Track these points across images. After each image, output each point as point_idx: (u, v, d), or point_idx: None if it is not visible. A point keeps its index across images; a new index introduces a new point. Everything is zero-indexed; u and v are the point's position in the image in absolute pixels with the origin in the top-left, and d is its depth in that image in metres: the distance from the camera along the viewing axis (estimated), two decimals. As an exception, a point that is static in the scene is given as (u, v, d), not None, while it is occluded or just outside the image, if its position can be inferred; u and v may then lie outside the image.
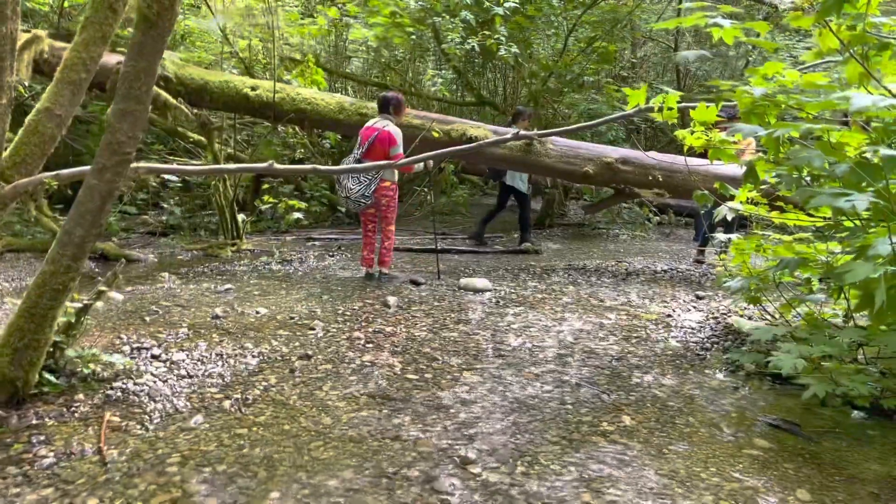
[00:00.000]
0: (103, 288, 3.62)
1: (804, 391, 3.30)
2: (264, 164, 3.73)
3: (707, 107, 4.20)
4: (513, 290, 5.63)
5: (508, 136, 4.35)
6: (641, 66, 14.48)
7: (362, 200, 5.57)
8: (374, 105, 6.65)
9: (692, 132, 4.39)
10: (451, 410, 3.22)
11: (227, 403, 3.23)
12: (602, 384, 3.61)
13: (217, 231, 7.22)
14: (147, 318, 4.51)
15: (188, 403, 3.23)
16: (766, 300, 4.41)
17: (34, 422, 2.95)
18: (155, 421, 3.04)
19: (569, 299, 5.39)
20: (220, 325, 4.43)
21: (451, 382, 3.58)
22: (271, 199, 6.78)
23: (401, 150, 5.58)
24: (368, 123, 5.72)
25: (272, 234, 8.03)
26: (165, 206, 8.04)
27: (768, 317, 4.62)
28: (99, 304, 4.79)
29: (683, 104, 4.63)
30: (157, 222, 7.94)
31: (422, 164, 5.79)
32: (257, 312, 4.72)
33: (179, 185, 7.95)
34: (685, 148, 4.56)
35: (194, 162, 7.37)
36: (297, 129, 7.90)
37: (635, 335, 4.50)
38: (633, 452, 2.83)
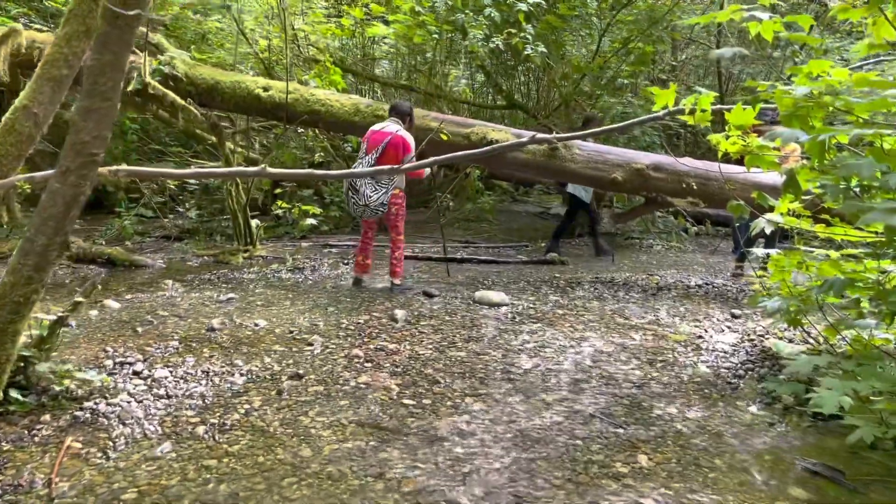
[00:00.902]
0: (79, 299, 3.39)
1: (850, 432, 2.88)
2: (255, 169, 3.46)
3: (744, 109, 3.79)
4: (531, 305, 5.27)
5: (525, 139, 4.01)
6: (682, 69, 13.95)
7: (380, 209, 5.28)
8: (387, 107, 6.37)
9: (727, 136, 4.00)
10: (447, 444, 2.89)
11: (201, 429, 2.95)
12: (618, 416, 3.24)
13: (234, 236, 7.02)
14: (139, 329, 4.28)
15: (159, 428, 2.96)
16: (807, 322, 3.98)
17: (-13, 447, 2.72)
18: (119, 448, 2.78)
19: (592, 316, 5.01)
20: (214, 338, 4.18)
21: (451, 410, 3.25)
22: (284, 205, 6.53)
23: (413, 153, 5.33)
24: (375, 127, 5.43)
25: (289, 240, 7.80)
26: (180, 209, 7.87)
27: (811, 340, 4.18)
28: (93, 312, 4.61)
29: (718, 106, 4.24)
30: (173, 226, 7.78)
31: (428, 171, 5.49)
32: (256, 325, 4.46)
33: (196, 188, 7.78)
34: (719, 153, 4.16)
35: (210, 164, 7.19)
36: (316, 131, 7.66)
37: (661, 358, 4.11)
38: (647, 502, 2.46)
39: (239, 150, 7.09)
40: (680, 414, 3.30)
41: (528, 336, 4.44)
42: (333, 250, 7.42)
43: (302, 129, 7.31)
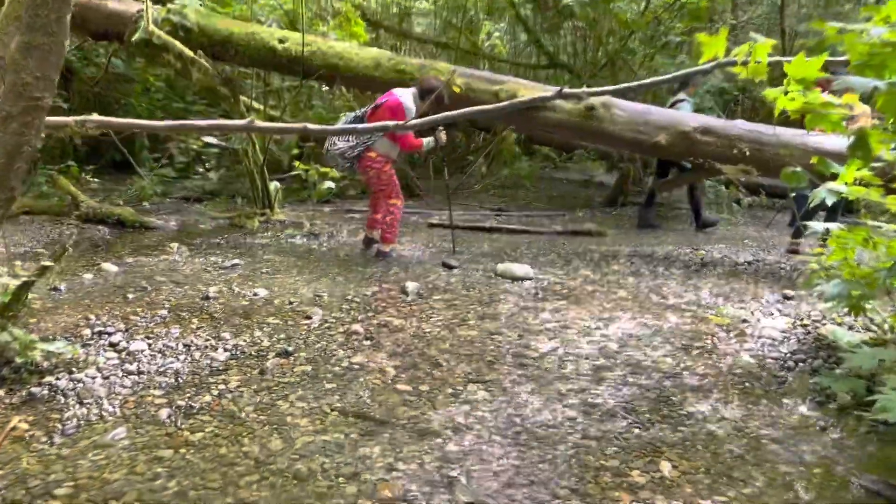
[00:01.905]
0: (48, 263, 3.09)
1: (921, 445, 2.40)
2: (242, 122, 3.10)
3: (807, 59, 3.24)
4: (559, 280, 4.81)
5: (550, 94, 3.54)
6: (742, 27, 13.01)
7: (339, 160, 5.05)
8: (414, 62, 5.92)
9: (786, 92, 3.45)
10: (438, 439, 2.52)
11: (164, 413, 2.64)
12: (642, 412, 2.80)
13: (251, 199, 6.72)
14: (130, 296, 4.00)
15: (119, 410, 2.66)
16: (872, 309, 3.45)
17: (-75, 426, 2.45)
18: (68, 432, 2.48)
19: (624, 294, 4.54)
20: (207, 307, 3.87)
21: (450, 399, 2.86)
22: (303, 166, 6.18)
23: (410, 131, 4.90)
24: (394, 89, 5.07)
25: (312, 205, 7.47)
26: (201, 170, 7.60)
27: (875, 329, 3.65)
28: (87, 276, 4.35)
29: (776, 58, 3.68)
30: (195, 188, 7.53)
31: (432, 142, 5.11)
32: (255, 294, 4.13)
33: (217, 150, 7.49)
34: (776, 112, 3.61)
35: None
36: (343, 90, 7.27)
37: (698, 345, 3.63)
38: (666, 524, 2.05)
39: (261, 108, 6.74)
40: (714, 412, 2.84)
41: (550, 315, 4.01)
42: (356, 216, 7.06)
43: (326, 88, 6.91)
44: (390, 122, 3.41)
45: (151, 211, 6.68)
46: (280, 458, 2.35)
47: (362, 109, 5.06)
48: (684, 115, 5.85)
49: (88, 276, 4.39)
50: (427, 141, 5.00)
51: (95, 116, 2.94)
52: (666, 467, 2.38)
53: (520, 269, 4.85)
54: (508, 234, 6.69)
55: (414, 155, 8.28)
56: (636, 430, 2.65)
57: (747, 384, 3.15)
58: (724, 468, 2.40)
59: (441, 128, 5.06)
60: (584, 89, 3.46)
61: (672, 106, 6.96)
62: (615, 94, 5.26)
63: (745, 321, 4.05)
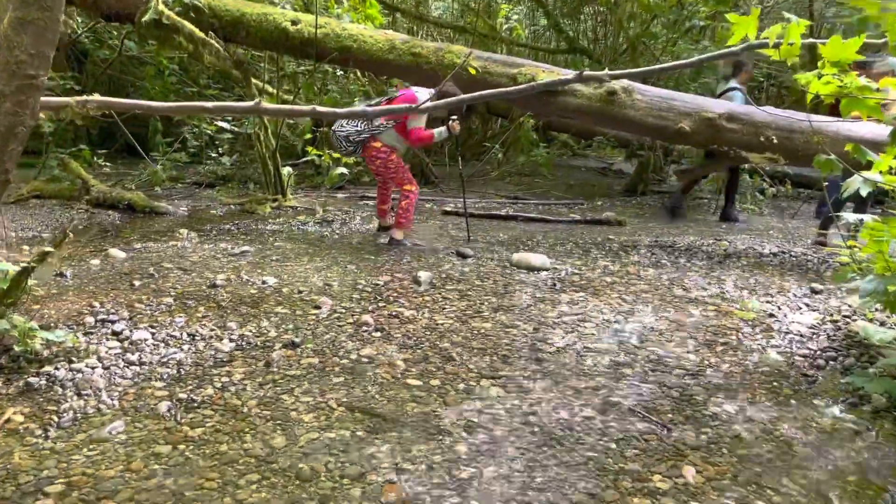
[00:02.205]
0: (48, 249, 2.99)
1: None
2: (249, 104, 2.97)
3: (843, 41, 3.05)
4: (576, 271, 4.66)
5: (570, 76, 3.38)
6: (768, 13, 12.68)
7: (343, 143, 5.00)
8: (429, 45, 5.75)
9: (820, 76, 3.27)
10: (449, 439, 2.39)
11: (163, 406, 2.53)
12: (664, 412, 2.66)
13: (263, 185, 6.61)
14: (136, 283, 3.91)
15: (117, 402, 2.56)
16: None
17: (-85, 417, 2.36)
18: (63, 425, 2.38)
19: (645, 286, 4.38)
20: (214, 296, 3.76)
21: (462, 395, 2.73)
22: (315, 151, 6.05)
23: (421, 125, 4.89)
24: (412, 87, 5.09)
25: (326, 191, 7.35)
26: (213, 154, 7.50)
27: (909, 325, 3.48)
28: (94, 262, 4.26)
29: (811, 40, 3.50)
30: (207, 173, 7.43)
31: (444, 132, 4.99)
32: (263, 282, 4.02)
33: (230, 135, 7.38)
34: (808, 97, 3.43)
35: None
36: (358, 74, 7.11)
37: (722, 340, 3.47)
38: (690, 536, 1.91)
39: (274, 92, 6.61)
40: (741, 413, 2.69)
41: (568, 307, 3.87)
42: (369, 203, 6.93)
43: (341, 72, 6.77)
44: (402, 106, 3.27)
45: (163, 196, 6.60)
46: (282, 456, 2.24)
47: (377, 99, 5.01)
48: (708, 101, 5.65)
49: (95, 261, 4.31)
50: (439, 131, 4.90)
51: (97, 96, 2.82)
52: (690, 472, 2.24)
53: (536, 258, 4.70)
54: (525, 223, 6.54)
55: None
56: (658, 431, 2.51)
57: (775, 383, 3.00)
58: (753, 475, 2.26)
59: (454, 117, 4.98)
60: (606, 71, 3.29)
61: (722, 94, 6.69)
62: (637, 77, 5.07)
63: (771, 316, 3.89)
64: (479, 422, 2.52)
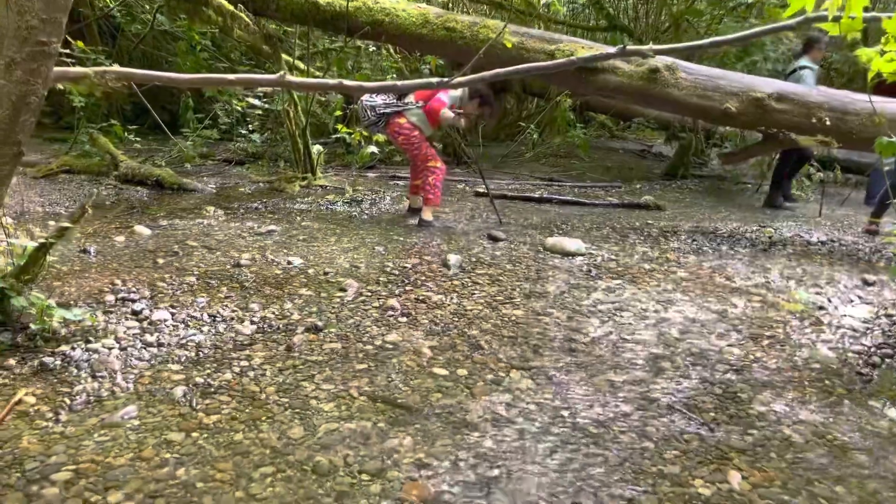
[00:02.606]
0: (66, 224, 2.91)
1: None
2: (273, 77, 2.83)
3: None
4: (613, 257, 4.47)
5: (611, 51, 3.18)
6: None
7: (369, 112, 4.98)
8: (464, 19, 5.55)
9: (882, 53, 3.04)
10: (476, 434, 2.25)
11: (179, 391, 2.43)
12: (706, 410, 2.49)
13: (292, 163, 6.51)
14: (160, 261, 3.83)
15: (132, 385, 2.46)
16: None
17: (-73, 397, 2.30)
18: (76, 408, 2.29)
19: (685, 274, 4.17)
20: (237, 275, 3.67)
21: (490, 386, 2.59)
22: (345, 129, 5.92)
23: (447, 102, 4.91)
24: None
25: (357, 170, 7.22)
26: (244, 131, 7.41)
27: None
28: (119, 239, 4.20)
29: (874, 14, 3.24)
30: (237, 150, 7.36)
31: (450, 118, 4.92)
32: (289, 263, 3.92)
33: (260, 112, 7.28)
34: (869, 76, 3.19)
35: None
36: (391, 50, 6.94)
37: (768, 334, 3.27)
38: (736, 551, 1.75)
39: (304, 68, 6.48)
40: (790, 413, 2.51)
41: (604, 295, 3.69)
42: (400, 183, 6.79)
43: (374, 48, 6.60)
44: (432, 80, 3.11)
45: (192, 173, 6.53)
46: (299, 447, 2.12)
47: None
48: (756, 80, 5.36)
49: (120, 238, 4.24)
50: (446, 113, 4.85)
51: (116, 67, 2.71)
52: (735, 478, 2.08)
53: (571, 243, 4.52)
54: (559, 206, 6.33)
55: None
56: (700, 432, 2.34)
57: (827, 381, 2.80)
58: (803, 482, 2.08)
59: (462, 110, 4.94)
60: (650, 46, 3.08)
61: (790, 74, 6.32)
62: (682, 53, 4.83)
63: (821, 308, 3.67)
64: (507, 416, 2.37)
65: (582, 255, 4.44)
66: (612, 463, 2.13)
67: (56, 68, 2.43)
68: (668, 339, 3.13)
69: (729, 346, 3.10)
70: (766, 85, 5.21)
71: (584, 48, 5.32)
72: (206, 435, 2.17)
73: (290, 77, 2.85)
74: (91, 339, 2.77)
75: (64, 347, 2.68)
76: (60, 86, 3.31)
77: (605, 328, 3.22)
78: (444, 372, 2.69)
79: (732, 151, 7.02)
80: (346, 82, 2.89)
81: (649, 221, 5.77)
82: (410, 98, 4.90)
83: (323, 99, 7.16)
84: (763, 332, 3.28)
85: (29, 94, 2.23)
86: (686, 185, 8.18)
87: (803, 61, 6.35)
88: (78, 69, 2.75)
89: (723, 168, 8.84)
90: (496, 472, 2.05)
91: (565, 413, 2.42)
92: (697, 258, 4.58)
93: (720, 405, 2.54)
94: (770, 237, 5.36)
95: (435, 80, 3.02)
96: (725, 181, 8.63)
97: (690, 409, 2.48)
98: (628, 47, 3.17)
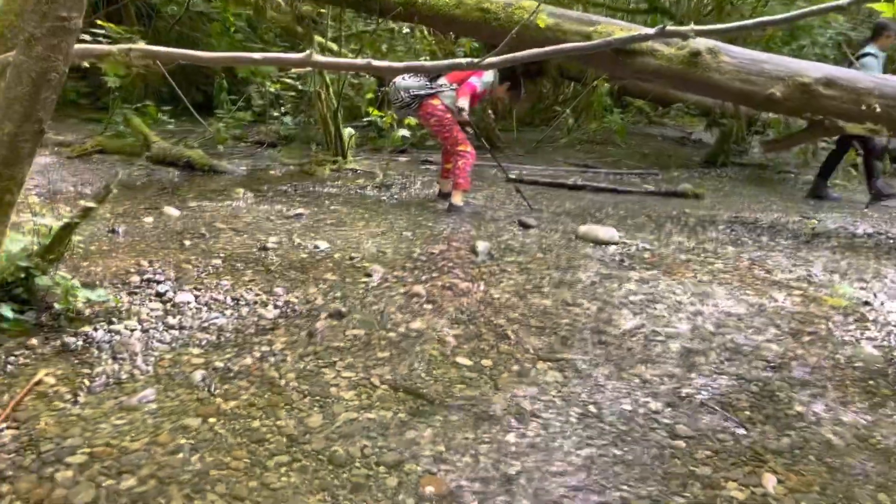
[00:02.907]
0: (91, 204, 2.89)
1: None
2: (300, 56, 2.77)
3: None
4: (648, 246, 4.33)
5: (651, 32, 3.05)
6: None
7: (402, 93, 4.96)
8: (499, 0, 5.42)
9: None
10: (498, 427, 2.18)
11: (198, 375, 2.40)
12: (742, 409, 2.37)
13: (323, 146, 6.47)
14: (187, 243, 3.82)
15: (151, 368, 2.44)
16: None
17: (-49, 376, 2.30)
18: (95, 390, 2.28)
19: (723, 265, 4.03)
20: (263, 259, 3.64)
21: (516, 378, 2.51)
22: (376, 112, 5.86)
23: (477, 85, 4.90)
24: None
25: (388, 153, 7.17)
26: (277, 114, 7.40)
27: None
28: (148, 220, 4.20)
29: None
30: (270, 132, 7.35)
31: (464, 105, 4.86)
32: (315, 247, 3.87)
33: (293, 94, 7.26)
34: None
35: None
36: (425, 32, 6.84)
37: (809, 330, 3.13)
38: (770, 562, 1.65)
39: (336, 49, 6.42)
40: (831, 414, 2.38)
41: (637, 286, 3.57)
42: (431, 167, 6.71)
43: (408, 30, 6.51)
44: (464, 60, 3.02)
45: (224, 155, 6.54)
46: (317, 436, 2.07)
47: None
48: (803, 64, 5.13)
49: (149, 219, 4.25)
50: (463, 100, 4.83)
51: (141, 44, 2.67)
52: (770, 481, 1.97)
53: (604, 231, 4.40)
54: (594, 193, 6.20)
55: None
56: (734, 431, 2.23)
57: (871, 382, 2.65)
58: (843, 487, 1.96)
59: (466, 110, 4.88)
60: (692, 27, 2.94)
61: (856, 60, 6.09)
62: (725, 34, 4.65)
63: (866, 304, 3.50)
64: (532, 409, 2.29)
65: (615, 244, 4.31)
66: (641, 462, 2.04)
67: (79, 45, 2.40)
68: (702, 333, 3.00)
69: (767, 341, 2.96)
70: (813, 69, 4.98)
71: (623, 30, 5.15)
72: (222, 421, 2.13)
73: (317, 56, 2.77)
74: (114, 320, 2.76)
75: (87, 328, 2.67)
76: (95, 65, 3.29)
77: (637, 320, 3.11)
78: (468, 362, 2.62)
79: (775, 139, 6.78)
80: (375, 62, 2.82)
81: (687, 210, 5.60)
82: (444, 80, 4.86)
83: (356, 82, 7.10)
84: (804, 328, 3.13)
85: (49, 70, 2.19)
86: (726, 174, 7.96)
87: (869, 48, 6.13)
88: (101, 46, 2.73)
89: (764, 156, 8.56)
90: (517, 468, 1.97)
91: (592, 408, 2.33)
92: (736, 249, 4.42)
93: (756, 404, 2.42)
94: (813, 229, 5.16)
95: (464, 60, 2.94)
96: (767, 170, 8.37)
97: (724, 408, 2.37)
98: (668, 28, 3.03)
